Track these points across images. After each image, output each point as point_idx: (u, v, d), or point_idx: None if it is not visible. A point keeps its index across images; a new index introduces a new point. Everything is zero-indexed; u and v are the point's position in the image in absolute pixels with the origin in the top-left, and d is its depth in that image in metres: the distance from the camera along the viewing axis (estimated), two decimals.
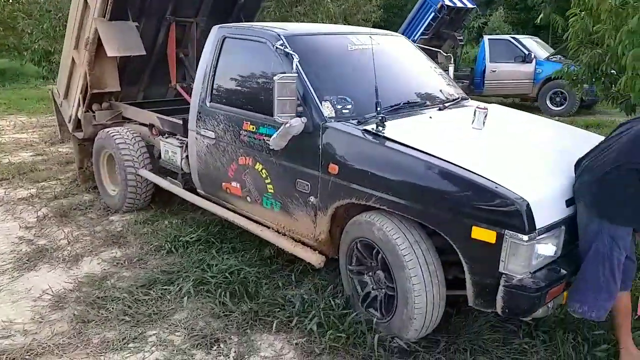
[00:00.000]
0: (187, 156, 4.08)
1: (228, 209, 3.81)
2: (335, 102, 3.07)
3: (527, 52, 11.82)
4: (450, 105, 3.54)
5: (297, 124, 2.95)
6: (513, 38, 12.48)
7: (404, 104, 3.30)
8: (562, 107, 11.42)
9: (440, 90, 3.76)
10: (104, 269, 3.76)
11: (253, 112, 3.41)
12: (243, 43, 3.59)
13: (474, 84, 12.53)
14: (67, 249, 4.10)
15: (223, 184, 3.71)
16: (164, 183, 4.43)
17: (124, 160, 4.66)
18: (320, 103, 3.04)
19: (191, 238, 4.06)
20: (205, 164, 3.81)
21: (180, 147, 4.18)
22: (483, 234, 2.32)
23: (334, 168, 2.87)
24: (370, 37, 3.82)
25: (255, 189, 3.45)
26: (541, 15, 18.00)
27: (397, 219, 2.67)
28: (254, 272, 3.52)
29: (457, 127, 3.09)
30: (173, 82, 5.50)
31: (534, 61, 11.70)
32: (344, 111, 3.06)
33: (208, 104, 3.73)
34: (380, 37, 3.89)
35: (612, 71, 5.32)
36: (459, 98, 3.74)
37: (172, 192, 4.35)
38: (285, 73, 2.92)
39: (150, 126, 4.68)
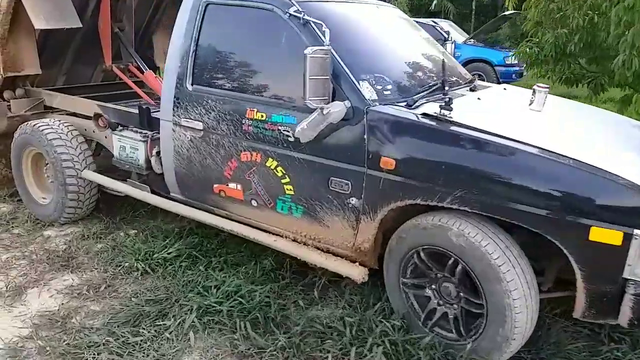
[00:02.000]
0: (157, 153, 3.29)
1: (220, 216, 3.12)
2: (373, 82, 2.53)
3: (446, 36, 11.94)
4: (477, 85, 3.14)
5: (338, 109, 2.38)
6: (433, 21, 12.57)
7: (439, 83, 2.84)
8: None
9: (458, 68, 3.36)
10: (62, 304, 2.90)
11: (260, 97, 2.76)
12: (236, 11, 2.89)
13: None
14: (0, 280, 3.16)
15: (215, 186, 3.01)
16: (123, 188, 3.58)
17: (61, 161, 3.72)
18: (358, 83, 2.49)
19: (169, 254, 3.30)
20: (188, 163, 3.08)
21: (143, 141, 3.37)
22: (605, 235, 1.95)
23: (388, 162, 2.34)
24: (377, 7, 3.32)
25: (265, 190, 2.81)
26: (435, 2, 18.44)
27: (478, 221, 2.22)
28: (263, 290, 2.89)
29: (518, 110, 2.70)
30: (108, 63, 4.55)
31: (452, 44, 11.84)
32: (385, 92, 2.53)
33: (190, 86, 2.99)
34: (385, 8, 3.39)
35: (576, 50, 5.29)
36: (473, 77, 3.37)
37: (137, 198, 3.53)
38: (312, 46, 2.34)
39: (96, 117, 3.77)
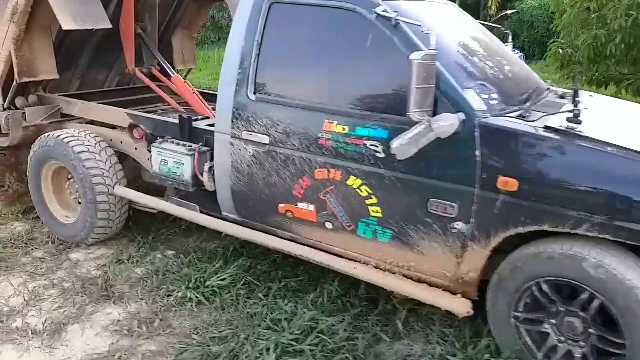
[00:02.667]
0: (209, 168, 2.95)
1: (283, 239, 2.80)
2: (478, 91, 2.25)
3: None
4: (565, 94, 2.88)
5: (449, 123, 2.08)
6: None
7: (531, 92, 2.58)
8: None
9: (536, 73, 3.10)
10: (112, 344, 2.55)
11: (341, 107, 2.45)
12: (308, 10, 2.58)
13: None
14: (31, 315, 2.78)
15: (281, 206, 2.69)
16: (166, 207, 3.23)
17: (90, 176, 3.34)
18: (465, 92, 2.20)
19: (222, 280, 2.97)
20: (249, 180, 2.75)
21: (190, 155, 3.03)
22: None
23: (509, 183, 2.06)
24: (449, 6, 3.05)
25: (344, 212, 2.50)
26: None
27: (617, 250, 1.95)
28: (342, 323, 2.59)
29: (633, 120, 2.45)
30: (130, 67, 4.18)
31: None
32: (491, 102, 2.25)
33: (252, 96, 2.67)
34: (453, 7, 3.12)
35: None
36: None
37: (184, 218, 3.18)
38: (406, 50, 2.06)
39: (131, 127, 3.40)
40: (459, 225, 2.20)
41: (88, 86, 4.56)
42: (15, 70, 3.66)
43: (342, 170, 2.45)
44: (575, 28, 5.54)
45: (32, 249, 3.57)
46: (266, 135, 2.63)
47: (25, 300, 2.92)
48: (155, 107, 4.64)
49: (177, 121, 3.25)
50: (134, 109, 3.84)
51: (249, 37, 2.69)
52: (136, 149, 3.51)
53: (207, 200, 3.13)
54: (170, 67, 4.20)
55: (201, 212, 3.12)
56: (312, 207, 2.60)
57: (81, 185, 3.40)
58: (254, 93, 2.68)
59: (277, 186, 2.66)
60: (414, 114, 2.06)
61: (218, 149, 2.85)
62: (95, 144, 3.48)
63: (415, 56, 2.01)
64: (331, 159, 2.46)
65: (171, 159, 3.14)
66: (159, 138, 3.26)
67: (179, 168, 3.11)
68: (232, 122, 2.74)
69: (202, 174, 2.97)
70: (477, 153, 2.11)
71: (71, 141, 3.41)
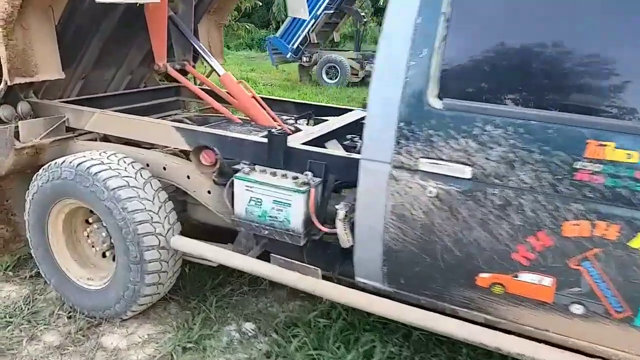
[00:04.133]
0: (347, 214, 1.90)
1: (470, 321, 1.80)
2: None
3: None
4: None
5: None
6: None
7: None
8: None
9: None
10: None
11: (627, 120, 1.48)
12: None
13: None
14: None
15: (484, 276, 1.69)
16: (264, 268, 2.13)
17: (135, 223, 2.23)
18: None
19: None
20: (424, 233, 1.73)
21: (302, 192, 1.98)
22: None
23: None
24: None
25: (617, 289, 1.53)
26: None
27: None
28: None
29: None
30: (160, 62, 3.07)
31: None
32: None
33: (436, 102, 1.66)
34: None
35: None
36: None
37: (295, 287, 2.10)
38: None
39: (197, 151, 2.29)
40: None
41: (91, 89, 3.40)
42: (4, 66, 2.50)
43: (621, 223, 1.47)
44: None
45: (40, 330, 2.42)
46: (467, 165, 1.63)
47: None
48: (172, 114, 3.57)
49: (259, 139, 2.22)
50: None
51: (427, 7, 1.67)
52: (188, 177, 2.43)
53: (325, 259, 2.11)
54: (218, 65, 3.09)
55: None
56: (547, 281, 1.61)
57: (119, 237, 2.27)
58: (439, 97, 1.66)
59: (482, 245, 1.66)
60: None
61: (365, 184, 1.81)
62: (135, 173, 2.37)
63: None
64: (601, 204, 1.49)
65: (268, 197, 2.07)
66: (242, 165, 2.19)
67: (281, 211, 2.05)
68: (396, 143, 1.71)
69: (317, 219, 1.94)
70: None
71: (101, 171, 2.28)
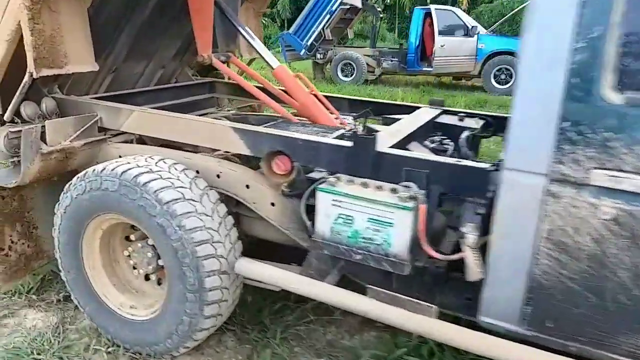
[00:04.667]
0: (477, 239, 1.51)
1: None
2: None
3: (470, 25, 10.58)
4: None
5: None
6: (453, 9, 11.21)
7: None
8: (508, 85, 10.41)
9: None
10: None
11: None
12: None
13: (406, 62, 10.97)
14: None
15: None
16: (363, 304, 1.74)
17: (193, 244, 1.84)
18: None
19: None
20: (593, 267, 1.34)
21: (409, 209, 1.59)
22: None
23: None
24: None
25: None
26: None
27: None
28: None
29: None
30: (204, 52, 2.67)
31: (476, 35, 10.50)
32: None
33: (615, 96, 1.27)
34: None
35: None
36: None
37: (400, 326, 1.70)
38: None
39: (269, 157, 1.89)
40: None
41: (119, 84, 3.01)
42: (29, 55, 2.10)
43: None
44: None
45: None
46: None
47: None
48: (207, 113, 3.19)
49: (340, 142, 1.84)
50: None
51: None
52: (248, 186, 2.04)
53: (412, 287, 1.73)
54: (271, 56, 2.68)
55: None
56: None
57: (173, 260, 1.88)
58: (619, 89, 1.27)
59: None
60: None
61: (508, 202, 1.42)
62: (190, 182, 1.97)
63: None
64: None
65: (362, 215, 1.68)
66: (323, 174, 1.80)
67: (379, 231, 1.66)
68: (557, 150, 1.33)
69: (428, 244, 1.55)
70: None
71: (151, 180, 1.88)
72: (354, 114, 2.84)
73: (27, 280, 2.53)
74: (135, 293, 2.19)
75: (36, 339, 2.16)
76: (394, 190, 1.66)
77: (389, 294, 1.74)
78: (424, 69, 10.64)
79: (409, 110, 2.68)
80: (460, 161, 1.71)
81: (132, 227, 2.12)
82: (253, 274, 1.91)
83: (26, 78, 2.16)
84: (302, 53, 10.91)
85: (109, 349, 2.11)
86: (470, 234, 1.49)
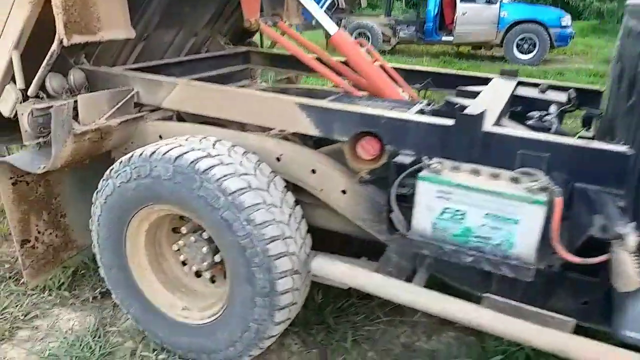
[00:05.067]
0: (638, 240, 1.23)
1: None
2: None
3: None
4: None
5: None
6: None
7: None
8: (532, 54, 10.00)
9: None
10: None
11: None
12: None
13: (424, 32, 10.52)
14: None
15: None
16: (472, 315, 1.47)
17: (264, 240, 1.56)
18: None
19: None
20: None
21: (541, 204, 1.29)
22: None
23: None
24: None
25: None
26: None
27: None
28: None
29: None
30: (251, 16, 2.34)
31: (498, 2, 10.03)
32: None
33: None
34: None
35: None
36: None
37: (539, 348, 1.43)
38: None
39: (354, 139, 1.60)
40: None
41: (148, 54, 2.69)
42: (59, 19, 1.78)
43: None
44: None
45: None
46: None
47: None
48: (241, 85, 2.90)
49: (435, 120, 1.54)
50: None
51: None
52: (314, 171, 1.75)
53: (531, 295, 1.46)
54: (328, 19, 2.34)
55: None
56: None
57: (240, 260, 1.60)
58: None
59: None
60: None
61: None
62: (254, 168, 1.69)
63: None
64: None
65: (478, 210, 1.39)
66: (425, 159, 1.50)
67: (499, 229, 1.38)
68: None
69: (563, 246, 1.27)
70: None
71: (212, 167, 1.59)
72: (416, 86, 2.52)
73: (57, 274, 2.27)
74: (184, 291, 1.92)
75: (74, 345, 1.91)
76: (514, 180, 1.37)
77: (511, 304, 1.46)
78: (444, 38, 10.20)
79: (478, 81, 2.37)
80: (590, 142, 1.42)
81: (182, 217, 1.85)
82: (334, 275, 1.64)
83: (54, 46, 1.84)
84: (314, 22, 10.46)
85: (159, 356, 1.85)
86: (628, 234, 1.20)
